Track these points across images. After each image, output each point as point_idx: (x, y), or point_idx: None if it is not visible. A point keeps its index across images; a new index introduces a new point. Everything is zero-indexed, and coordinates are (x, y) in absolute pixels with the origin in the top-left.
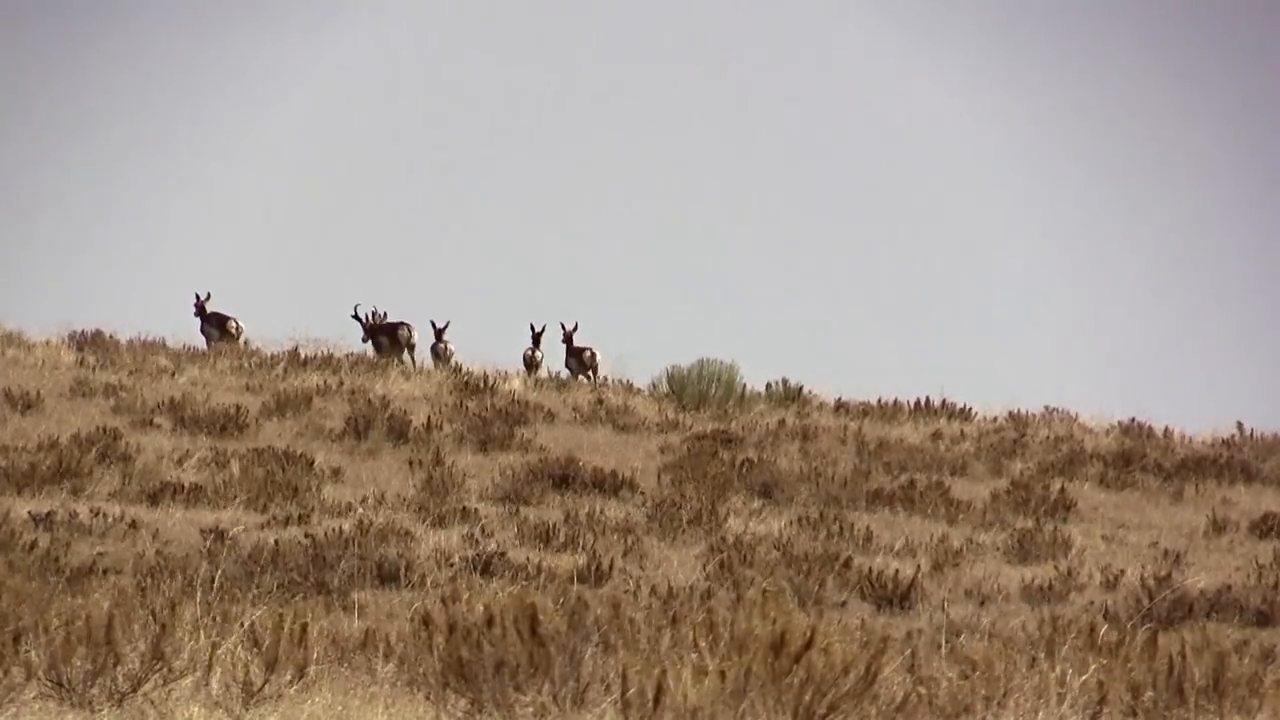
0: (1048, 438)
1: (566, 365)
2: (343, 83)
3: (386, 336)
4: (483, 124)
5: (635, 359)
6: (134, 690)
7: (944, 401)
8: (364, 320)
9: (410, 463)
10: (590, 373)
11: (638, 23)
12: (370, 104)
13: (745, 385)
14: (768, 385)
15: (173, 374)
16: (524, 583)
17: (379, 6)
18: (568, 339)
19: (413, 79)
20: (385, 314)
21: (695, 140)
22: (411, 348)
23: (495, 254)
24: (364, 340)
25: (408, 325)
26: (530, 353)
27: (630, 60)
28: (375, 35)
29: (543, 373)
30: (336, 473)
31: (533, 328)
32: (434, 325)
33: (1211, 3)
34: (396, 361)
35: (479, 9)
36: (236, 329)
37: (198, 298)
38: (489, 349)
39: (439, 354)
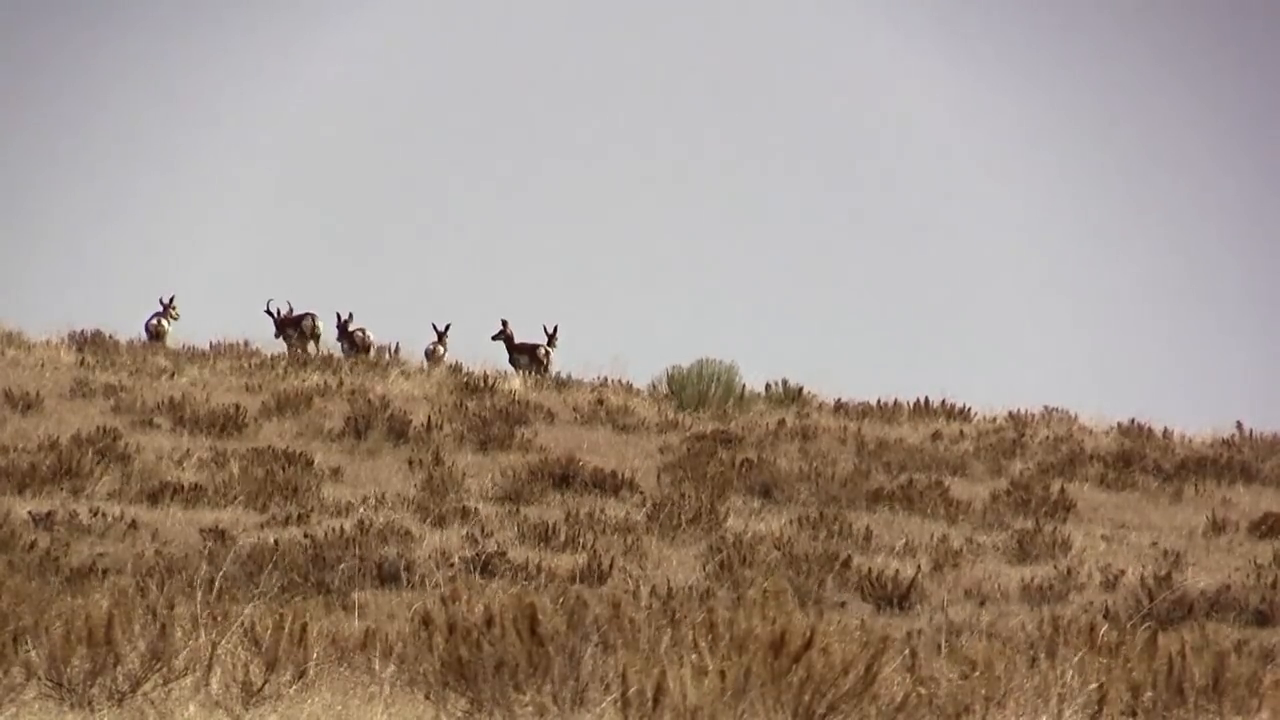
0: (1047, 438)
1: (512, 363)
2: (343, 83)
3: (294, 329)
4: (482, 123)
5: (635, 359)
6: (134, 690)
7: (943, 402)
8: (275, 315)
9: (410, 462)
10: (542, 369)
11: (637, 22)
12: (371, 104)
13: (745, 385)
14: (767, 385)
15: (172, 374)
16: (524, 582)
17: (377, 7)
18: (508, 337)
19: (412, 79)
20: (293, 308)
21: (695, 140)
22: (317, 338)
23: (494, 254)
24: (276, 336)
25: (312, 316)
26: (540, 351)
27: (630, 59)
28: (375, 35)
29: (553, 371)
30: (336, 472)
31: (545, 328)
32: (435, 327)
33: (1211, 3)
34: (303, 352)
35: (478, 9)
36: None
37: (269, 304)
38: (489, 349)
39: (430, 355)
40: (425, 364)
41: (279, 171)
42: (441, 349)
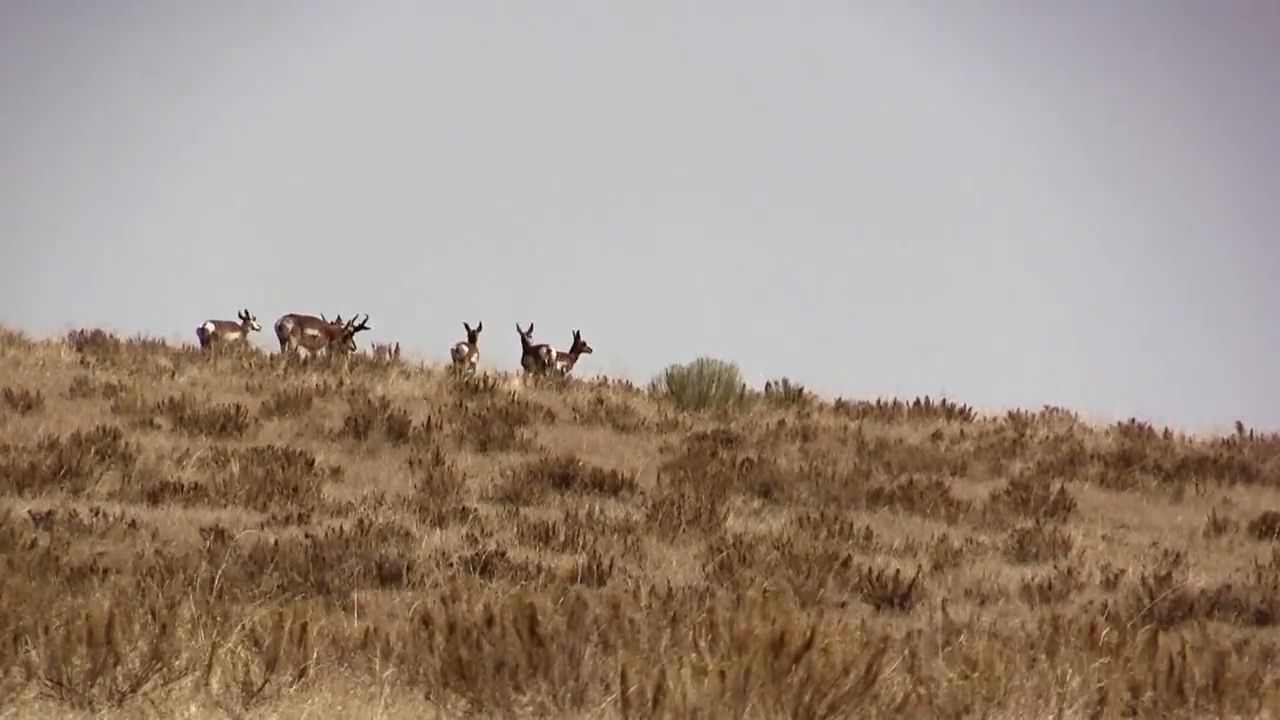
0: (1047, 438)
1: (523, 363)
2: (344, 83)
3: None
4: (483, 124)
5: (635, 359)
6: (134, 690)
7: (944, 401)
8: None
9: (410, 462)
10: (542, 367)
11: (638, 22)
12: (371, 105)
13: (745, 385)
14: (767, 385)
15: (172, 374)
16: (524, 582)
17: (381, 7)
18: (525, 339)
19: (413, 80)
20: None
21: (696, 140)
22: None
23: (495, 254)
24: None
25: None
26: (543, 351)
27: (631, 60)
28: (377, 35)
29: (556, 370)
30: (336, 472)
31: (577, 335)
32: (467, 327)
33: (1211, 3)
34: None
35: (482, 9)
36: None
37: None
38: (489, 349)
39: (457, 355)
40: (450, 363)
41: (280, 171)
42: (465, 349)
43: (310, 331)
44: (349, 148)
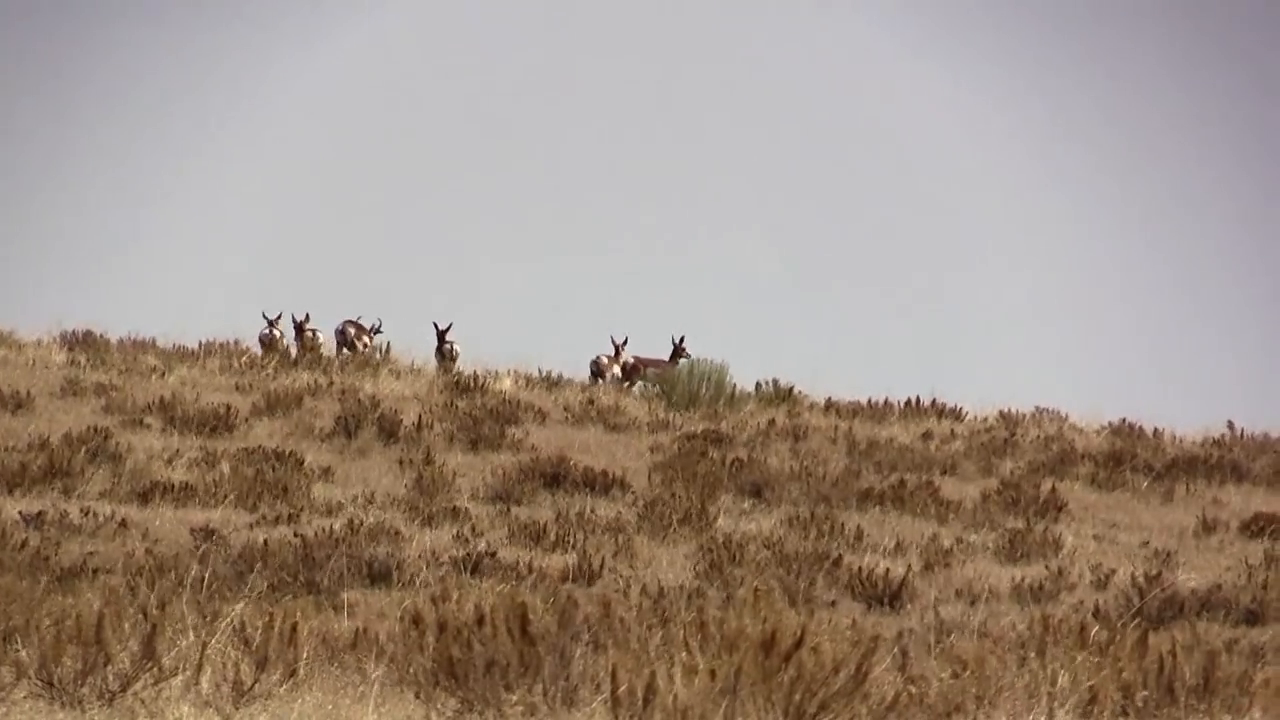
0: (1038, 437)
1: (436, 356)
2: (344, 82)
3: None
4: (480, 124)
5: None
6: (124, 689)
7: (934, 401)
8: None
9: (400, 462)
10: (451, 362)
11: (637, 23)
12: (370, 104)
13: (735, 385)
14: (758, 385)
15: (163, 374)
16: (514, 582)
17: (382, 7)
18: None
19: (413, 78)
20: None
21: (691, 141)
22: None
23: (488, 253)
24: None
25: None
26: (606, 360)
27: (629, 60)
28: (379, 33)
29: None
30: (326, 472)
31: (613, 339)
32: (436, 326)
33: (1210, 4)
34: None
35: (484, 9)
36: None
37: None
38: (488, 350)
39: (446, 355)
40: (437, 364)
41: (275, 171)
42: (458, 348)
43: (370, 340)
44: (350, 146)
